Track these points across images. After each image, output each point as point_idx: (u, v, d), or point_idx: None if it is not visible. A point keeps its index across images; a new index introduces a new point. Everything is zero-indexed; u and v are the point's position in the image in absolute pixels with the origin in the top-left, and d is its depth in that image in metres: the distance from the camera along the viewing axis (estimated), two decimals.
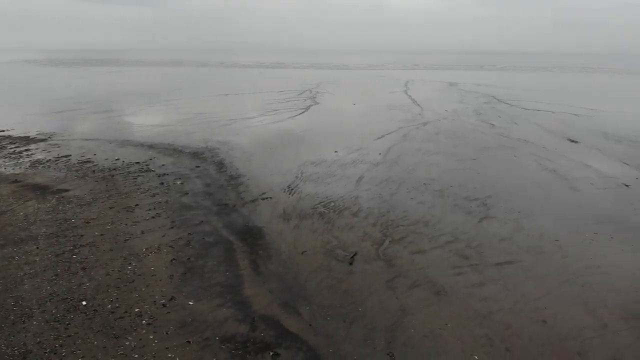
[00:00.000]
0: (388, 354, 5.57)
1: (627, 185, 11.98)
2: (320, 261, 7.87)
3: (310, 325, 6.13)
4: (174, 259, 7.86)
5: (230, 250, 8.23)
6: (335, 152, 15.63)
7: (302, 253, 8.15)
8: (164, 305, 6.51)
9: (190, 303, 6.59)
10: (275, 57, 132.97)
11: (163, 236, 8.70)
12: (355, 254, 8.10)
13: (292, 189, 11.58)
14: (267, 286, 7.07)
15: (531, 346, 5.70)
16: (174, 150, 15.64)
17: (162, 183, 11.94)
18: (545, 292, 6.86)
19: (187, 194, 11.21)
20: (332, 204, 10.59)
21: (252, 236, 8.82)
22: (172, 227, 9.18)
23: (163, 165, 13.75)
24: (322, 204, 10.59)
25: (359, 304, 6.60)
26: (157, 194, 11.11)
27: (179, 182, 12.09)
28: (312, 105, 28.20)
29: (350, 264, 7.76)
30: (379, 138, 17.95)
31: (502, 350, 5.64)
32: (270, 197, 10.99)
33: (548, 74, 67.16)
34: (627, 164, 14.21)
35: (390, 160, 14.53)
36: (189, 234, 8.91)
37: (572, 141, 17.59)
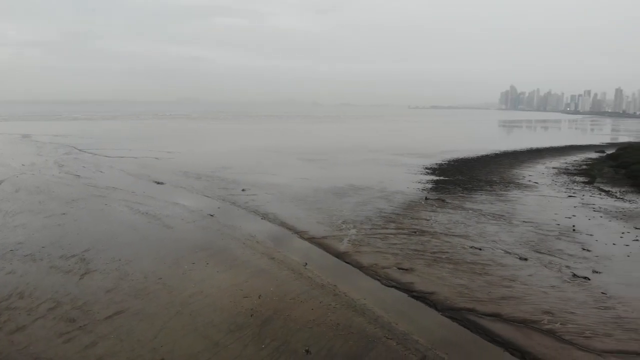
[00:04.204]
0: None
1: (211, 215, 13.92)
2: None
3: None
4: None
5: None
6: None
7: None
8: None
9: None
10: None
11: None
12: None
13: None
14: None
15: None
16: None
17: None
18: (159, 330, 7.15)
19: None
20: None
21: None
22: None
23: None
24: None
25: None
26: None
27: None
28: None
29: None
30: None
31: None
32: None
33: (124, 122, 70.06)
34: (208, 197, 16.55)
35: None
36: None
37: (159, 183, 19.02)
